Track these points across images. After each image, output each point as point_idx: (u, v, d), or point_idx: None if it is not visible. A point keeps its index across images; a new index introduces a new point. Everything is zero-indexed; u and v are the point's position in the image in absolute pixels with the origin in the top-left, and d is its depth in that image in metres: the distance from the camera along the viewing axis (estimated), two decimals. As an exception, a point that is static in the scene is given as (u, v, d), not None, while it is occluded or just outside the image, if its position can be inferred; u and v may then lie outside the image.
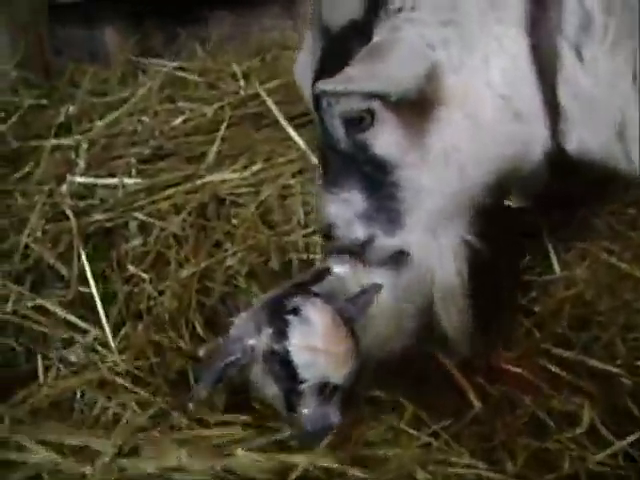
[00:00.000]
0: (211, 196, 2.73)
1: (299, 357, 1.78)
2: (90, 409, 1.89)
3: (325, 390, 1.82)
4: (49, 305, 2.20)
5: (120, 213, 2.64)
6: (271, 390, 1.87)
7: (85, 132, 3.00)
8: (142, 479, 1.66)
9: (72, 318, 2.18)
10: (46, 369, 2.01)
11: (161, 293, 2.40)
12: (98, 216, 2.62)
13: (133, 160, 2.84)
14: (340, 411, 1.86)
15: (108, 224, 2.62)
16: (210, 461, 1.71)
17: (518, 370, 2.34)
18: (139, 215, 2.63)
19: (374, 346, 2.02)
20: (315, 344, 1.79)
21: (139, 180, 2.74)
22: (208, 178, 2.76)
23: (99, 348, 2.08)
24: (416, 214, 1.94)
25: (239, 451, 1.73)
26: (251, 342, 1.83)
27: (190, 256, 2.54)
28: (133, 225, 2.64)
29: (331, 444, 1.85)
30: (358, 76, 1.76)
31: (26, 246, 2.48)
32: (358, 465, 1.88)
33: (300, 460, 1.77)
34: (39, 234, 2.50)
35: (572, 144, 1.91)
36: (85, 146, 2.78)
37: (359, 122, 1.86)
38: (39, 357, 2.04)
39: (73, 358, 2.04)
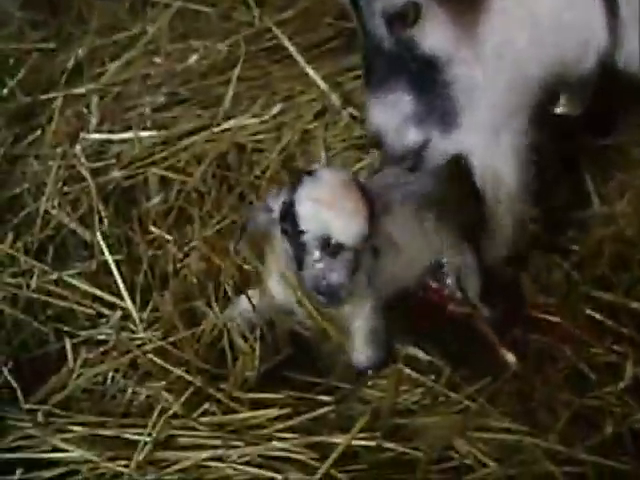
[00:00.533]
0: (231, 144, 2.63)
1: (302, 207, 1.83)
2: (122, 394, 1.88)
3: (328, 247, 1.83)
4: (74, 281, 2.16)
5: (138, 169, 2.57)
6: (285, 251, 1.93)
7: (97, 77, 2.88)
8: (180, 471, 1.68)
9: (98, 292, 2.14)
10: (74, 347, 1.99)
11: (187, 255, 2.37)
12: (116, 174, 2.56)
13: (147, 110, 2.72)
14: (346, 273, 1.84)
15: (126, 182, 2.56)
16: (248, 448, 1.72)
17: (557, 319, 2.30)
18: (157, 170, 2.56)
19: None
20: (320, 197, 1.82)
21: (154, 132, 2.63)
22: (226, 125, 2.64)
23: (128, 325, 2.05)
24: (473, 113, 1.84)
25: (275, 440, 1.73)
26: (270, 203, 1.96)
27: (214, 212, 2.49)
28: (153, 181, 2.57)
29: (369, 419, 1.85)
30: None
31: (46, 212, 2.44)
32: (396, 437, 1.89)
33: (339, 440, 1.77)
34: (57, 200, 2.44)
35: (623, 53, 1.77)
36: (96, 99, 2.67)
37: (403, 18, 1.73)
38: (67, 340, 2.01)
39: (102, 336, 2.02)
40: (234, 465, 1.69)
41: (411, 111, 1.85)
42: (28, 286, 2.18)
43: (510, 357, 2.16)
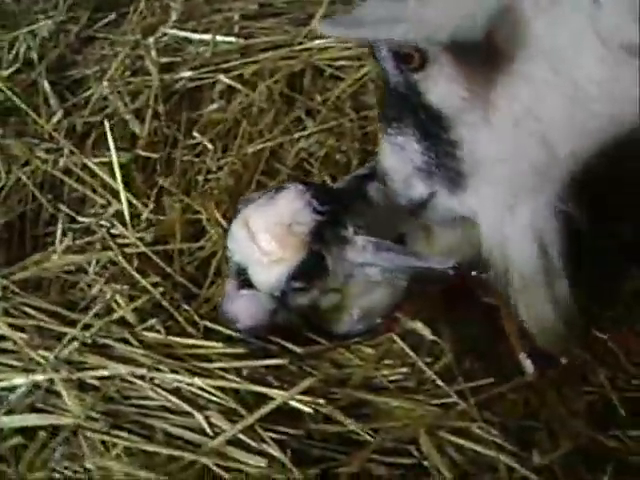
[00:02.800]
0: (307, 65, 2.43)
1: (235, 227, 1.65)
2: (88, 289, 1.78)
3: (243, 280, 1.64)
4: (96, 168, 2.08)
5: (206, 73, 2.44)
6: None
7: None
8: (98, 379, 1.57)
9: (112, 182, 2.05)
10: (64, 235, 1.92)
11: (220, 169, 2.22)
12: (184, 74, 2.44)
13: (236, 16, 2.57)
14: (246, 312, 1.63)
15: (192, 84, 2.44)
16: (175, 375, 1.56)
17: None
18: (224, 77, 2.42)
19: None
20: (253, 227, 1.62)
21: (233, 39, 2.48)
22: (308, 44, 2.44)
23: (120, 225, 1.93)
24: (482, 181, 1.52)
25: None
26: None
27: (265, 131, 2.31)
28: (217, 88, 2.43)
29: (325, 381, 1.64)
30: (377, 19, 1.30)
31: (104, 98, 2.39)
32: (353, 412, 1.65)
33: (277, 395, 1.57)
34: (118, 88, 2.38)
35: None
36: (180, -3, 2.55)
37: (407, 61, 1.42)
38: (60, 221, 1.95)
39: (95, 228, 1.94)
40: (157, 389, 1.55)
41: (420, 161, 1.56)
42: (56, 162, 2.15)
43: (528, 365, 1.84)
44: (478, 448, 1.60)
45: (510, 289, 1.65)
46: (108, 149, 2.21)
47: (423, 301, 1.93)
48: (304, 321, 1.83)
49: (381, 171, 1.63)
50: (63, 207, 2.04)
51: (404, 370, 1.75)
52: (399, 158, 1.57)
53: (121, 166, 2.18)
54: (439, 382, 1.71)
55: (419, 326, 1.86)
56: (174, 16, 2.51)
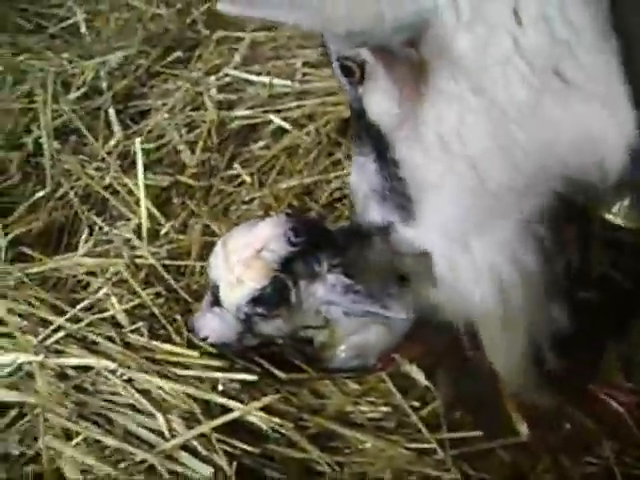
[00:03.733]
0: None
1: (217, 246, 1.71)
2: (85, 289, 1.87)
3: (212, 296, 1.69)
4: (134, 187, 2.19)
5: (260, 113, 2.54)
6: None
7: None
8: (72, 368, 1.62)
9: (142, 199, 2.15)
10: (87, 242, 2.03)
11: (253, 200, 2.28)
12: (239, 112, 2.56)
13: (298, 63, 2.67)
14: (218, 333, 1.67)
15: (245, 122, 2.54)
16: (145, 375, 1.59)
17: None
18: (275, 118, 2.50)
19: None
20: (230, 247, 1.66)
21: (289, 83, 2.57)
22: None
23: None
24: (428, 209, 1.43)
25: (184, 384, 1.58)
26: None
27: (304, 169, 2.36)
28: (269, 128, 2.52)
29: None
30: (279, 1, 1.23)
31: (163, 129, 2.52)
32: (319, 441, 1.60)
33: (237, 408, 1.55)
34: (177, 120, 2.52)
35: None
36: (249, 40, 2.69)
37: (350, 73, 1.37)
38: (87, 229, 2.08)
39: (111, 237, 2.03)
40: (128, 387, 1.58)
41: (375, 182, 1.50)
42: (101, 179, 2.29)
43: (523, 427, 1.74)
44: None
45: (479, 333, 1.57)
46: (154, 173, 2.39)
47: (424, 348, 1.90)
48: (300, 354, 1.85)
49: (350, 191, 1.60)
50: (97, 219, 2.16)
51: (385, 409, 1.70)
52: (360, 177, 1.52)
53: (163, 189, 2.34)
54: (421, 426, 1.66)
55: (414, 369, 1.81)
56: (237, 58, 2.64)
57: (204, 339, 1.67)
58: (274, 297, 1.62)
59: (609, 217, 1.46)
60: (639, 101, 1.12)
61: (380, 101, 1.35)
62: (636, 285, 2.11)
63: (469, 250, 1.45)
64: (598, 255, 2.12)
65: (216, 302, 1.66)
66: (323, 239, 1.70)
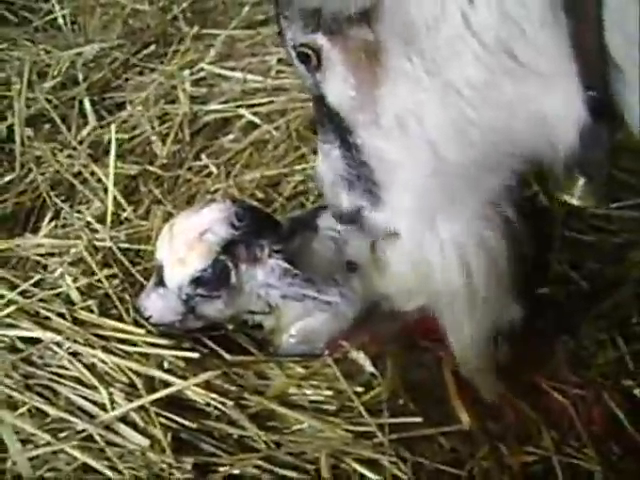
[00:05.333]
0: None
1: (165, 226, 1.75)
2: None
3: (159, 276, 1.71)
4: (101, 175, 2.24)
5: (232, 108, 2.59)
6: None
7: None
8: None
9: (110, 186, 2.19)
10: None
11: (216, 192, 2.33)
12: (212, 106, 2.61)
13: (273, 60, 2.73)
14: (161, 312, 1.69)
15: (217, 116, 2.59)
16: (88, 349, 1.63)
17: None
18: (246, 112, 2.55)
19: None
20: (175, 226, 1.71)
21: (262, 79, 2.62)
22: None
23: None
24: (394, 191, 1.47)
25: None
26: None
27: (271, 162, 2.41)
28: (240, 122, 2.57)
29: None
30: None
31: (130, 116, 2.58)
32: (257, 418, 1.64)
33: (175, 382, 1.60)
34: (150, 111, 2.57)
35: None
36: (223, 37, 2.75)
37: (306, 59, 1.39)
38: (50, 212, 2.13)
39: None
40: (74, 361, 1.62)
41: (341, 168, 1.52)
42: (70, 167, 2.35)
43: (464, 417, 1.76)
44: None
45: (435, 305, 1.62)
46: (124, 162, 2.44)
47: (372, 335, 1.93)
48: (249, 337, 1.89)
49: (316, 179, 1.63)
50: (63, 204, 2.21)
51: (328, 393, 1.72)
52: (326, 165, 1.55)
53: (132, 178, 2.39)
54: (361, 409, 1.69)
55: (360, 356, 1.84)
56: (213, 53, 2.70)
57: (148, 318, 1.71)
58: (214, 278, 1.66)
59: (565, 198, 1.49)
60: (588, 80, 1.15)
61: (338, 86, 1.38)
62: (593, 286, 2.18)
63: (436, 231, 1.50)
64: (558, 255, 2.19)
65: (161, 283, 1.70)
66: (266, 225, 1.74)
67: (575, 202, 1.48)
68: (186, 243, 1.66)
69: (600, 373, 1.88)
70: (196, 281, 1.67)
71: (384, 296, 1.86)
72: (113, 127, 2.32)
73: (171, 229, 1.71)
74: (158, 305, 1.69)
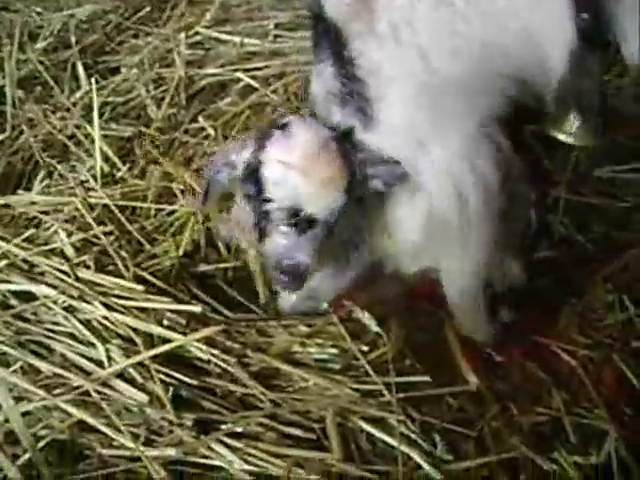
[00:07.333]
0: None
1: (269, 170, 1.50)
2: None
3: (296, 220, 1.50)
4: (94, 134, 2.15)
5: (229, 72, 2.52)
6: (245, 216, 1.61)
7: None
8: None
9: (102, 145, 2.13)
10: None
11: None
12: (208, 70, 2.54)
13: (271, 25, 2.66)
14: (313, 253, 1.51)
15: (213, 80, 2.52)
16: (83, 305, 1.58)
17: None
18: (243, 75, 2.49)
19: None
20: (291, 159, 1.48)
21: (259, 42, 2.56)
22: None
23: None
24: (387, 111, 1.44)
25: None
26: (233, 157, 1.60)
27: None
28: (238, 86, 2.51)
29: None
30: None
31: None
32: (260, 379, 1.59)
33: (177, 338, 1.54)
34: (146, 74, 2.50)
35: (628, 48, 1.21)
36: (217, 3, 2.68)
37: None
38: (43, 171, 2.06)
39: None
40: (70, 317, 1.56)
41: (333, 86, 1.50)
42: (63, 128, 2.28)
43: (472, 377, 1.73)
44: (389, 440, 1.51)
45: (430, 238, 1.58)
46: (117, 124, 2.37)
47: (379, 296, 1.88)
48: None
49: (309, 99, 1.60)
50: (56, 164, 2.14)
51: (333, 351, 1.68)
52: (319, 84, 1.53)
53: (127, 140, 2.32)
54: (368, 368, 1.64)
55: (365, 316, 1.80)
56: (208, 16, 2.63)
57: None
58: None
59: (561, 137, 1.44)
60: (579, 7, 1.11)
61: None
62: (598, 250, 2.14)
63: (428, 154, 1.46)
64: (563, 218, 2.15)
65: (302, 228, 1.50)
66: None
67: (571, 141, 1.46)
68: (325, 164, 1.48)
69: (609, 335, 1.85)
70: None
71: (388, 258, 1.82)
72: (93, 80, 2.29)
73: (285, 166, 1.48)
74: (309, 250, 1.50)
